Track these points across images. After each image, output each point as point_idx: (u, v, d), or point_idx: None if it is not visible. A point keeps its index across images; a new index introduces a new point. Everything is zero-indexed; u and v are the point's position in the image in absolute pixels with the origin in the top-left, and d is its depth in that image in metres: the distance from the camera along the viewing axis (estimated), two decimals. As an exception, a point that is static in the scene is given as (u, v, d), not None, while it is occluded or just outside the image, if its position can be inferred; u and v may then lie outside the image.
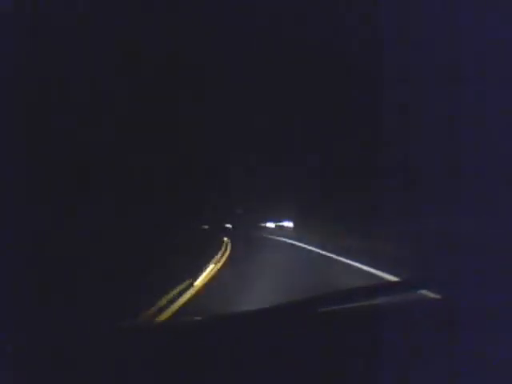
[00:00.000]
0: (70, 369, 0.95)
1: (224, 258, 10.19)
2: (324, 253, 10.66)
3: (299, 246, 14.37)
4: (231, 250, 13.00)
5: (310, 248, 12.64)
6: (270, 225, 35.38)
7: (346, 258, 8.56)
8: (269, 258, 10.46)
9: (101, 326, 1.40)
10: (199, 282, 5.94)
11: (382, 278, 5.95)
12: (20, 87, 5.99)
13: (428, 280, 1.60)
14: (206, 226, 35.80)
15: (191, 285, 5.53)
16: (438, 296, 1.47)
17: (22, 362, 0.96)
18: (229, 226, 39.37)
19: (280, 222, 32.10)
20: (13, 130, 5.63)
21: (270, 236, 24.09)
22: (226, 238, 19.09)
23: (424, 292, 1.73)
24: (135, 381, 0.94)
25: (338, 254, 9.42)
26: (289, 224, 29.64)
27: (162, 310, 4.07)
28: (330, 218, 18.87)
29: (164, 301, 4.42)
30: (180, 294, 4.93)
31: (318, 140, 24.03)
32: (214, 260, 9.34)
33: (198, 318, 1.41)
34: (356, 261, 7.90)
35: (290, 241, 17.52)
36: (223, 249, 13.35)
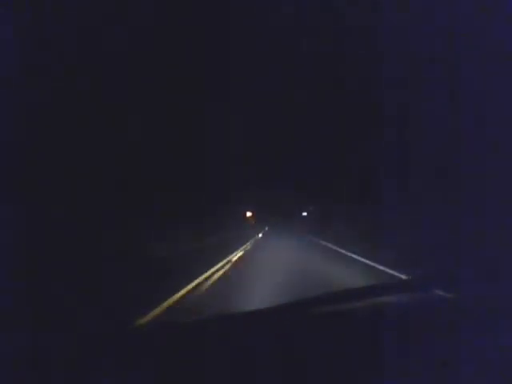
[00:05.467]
0: (71, 368, 0.95)
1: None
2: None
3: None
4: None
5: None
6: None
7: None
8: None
9: (102, 326, 1.41)
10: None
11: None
12: (22, 85, 5.99)
13: (428, 280, 1.60)
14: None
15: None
16: (437, 296, 1.47)
17: (22, 362, 0.96)
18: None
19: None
20: (12, 129, 5.63)
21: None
22: None
23: (424, 292, 1.73)
24: (137, 380, 0.94)
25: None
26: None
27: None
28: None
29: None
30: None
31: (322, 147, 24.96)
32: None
33: (200, 318, 1.41)
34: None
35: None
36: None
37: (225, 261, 8.66)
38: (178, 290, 4.85)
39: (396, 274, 6.28)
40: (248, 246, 14.51)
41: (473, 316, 1.10)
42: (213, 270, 7.07)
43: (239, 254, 10.91)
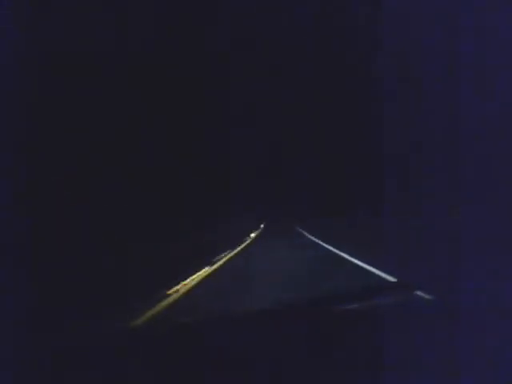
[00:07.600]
0: (70, 368, 0.95)
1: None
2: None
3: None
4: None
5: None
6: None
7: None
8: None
9: (101, 326, 1.41)
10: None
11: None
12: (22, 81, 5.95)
13: (427, 280, 1.60)
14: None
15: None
16: (436, 296, 1.47)
17: (22, 362, 0.96)
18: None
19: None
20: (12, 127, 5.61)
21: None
22: None
23: (423, 292, 1.73)
24: (135, 380, 0.94)
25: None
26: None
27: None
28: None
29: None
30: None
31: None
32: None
33: (200, 318, 1.42)
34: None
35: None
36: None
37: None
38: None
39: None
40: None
41: (471, 317, 1.10)
42: None
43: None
